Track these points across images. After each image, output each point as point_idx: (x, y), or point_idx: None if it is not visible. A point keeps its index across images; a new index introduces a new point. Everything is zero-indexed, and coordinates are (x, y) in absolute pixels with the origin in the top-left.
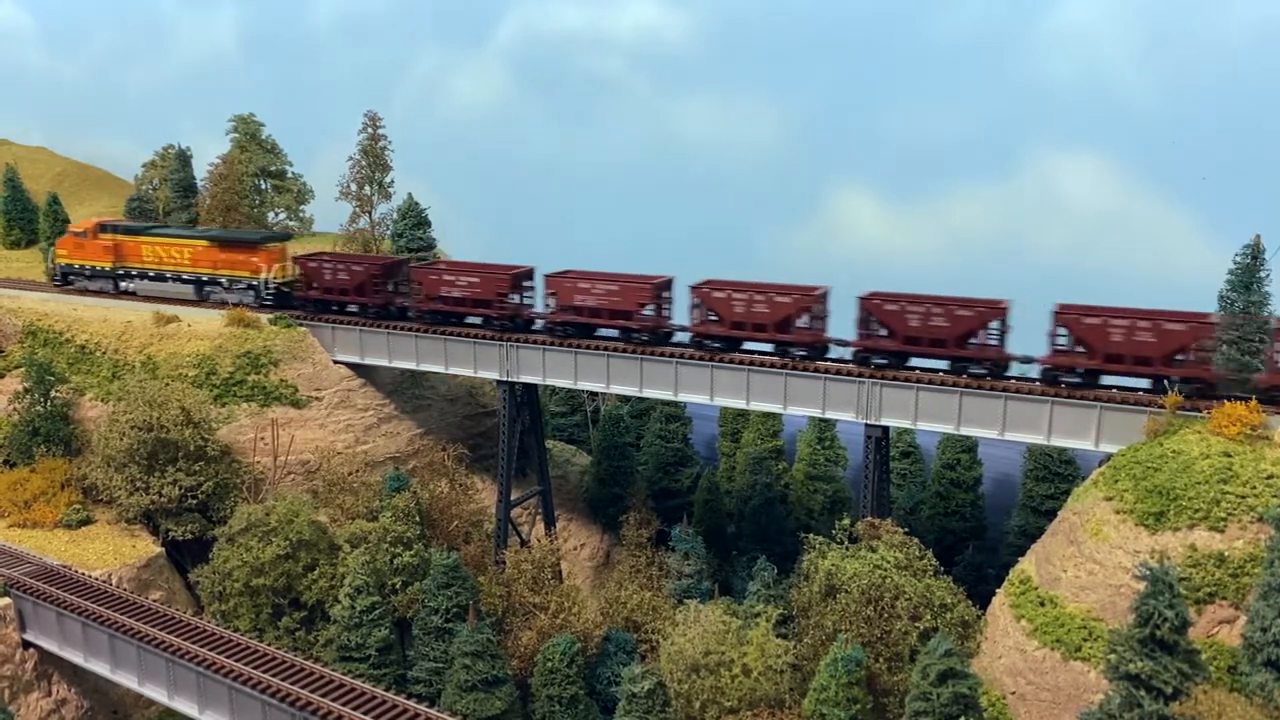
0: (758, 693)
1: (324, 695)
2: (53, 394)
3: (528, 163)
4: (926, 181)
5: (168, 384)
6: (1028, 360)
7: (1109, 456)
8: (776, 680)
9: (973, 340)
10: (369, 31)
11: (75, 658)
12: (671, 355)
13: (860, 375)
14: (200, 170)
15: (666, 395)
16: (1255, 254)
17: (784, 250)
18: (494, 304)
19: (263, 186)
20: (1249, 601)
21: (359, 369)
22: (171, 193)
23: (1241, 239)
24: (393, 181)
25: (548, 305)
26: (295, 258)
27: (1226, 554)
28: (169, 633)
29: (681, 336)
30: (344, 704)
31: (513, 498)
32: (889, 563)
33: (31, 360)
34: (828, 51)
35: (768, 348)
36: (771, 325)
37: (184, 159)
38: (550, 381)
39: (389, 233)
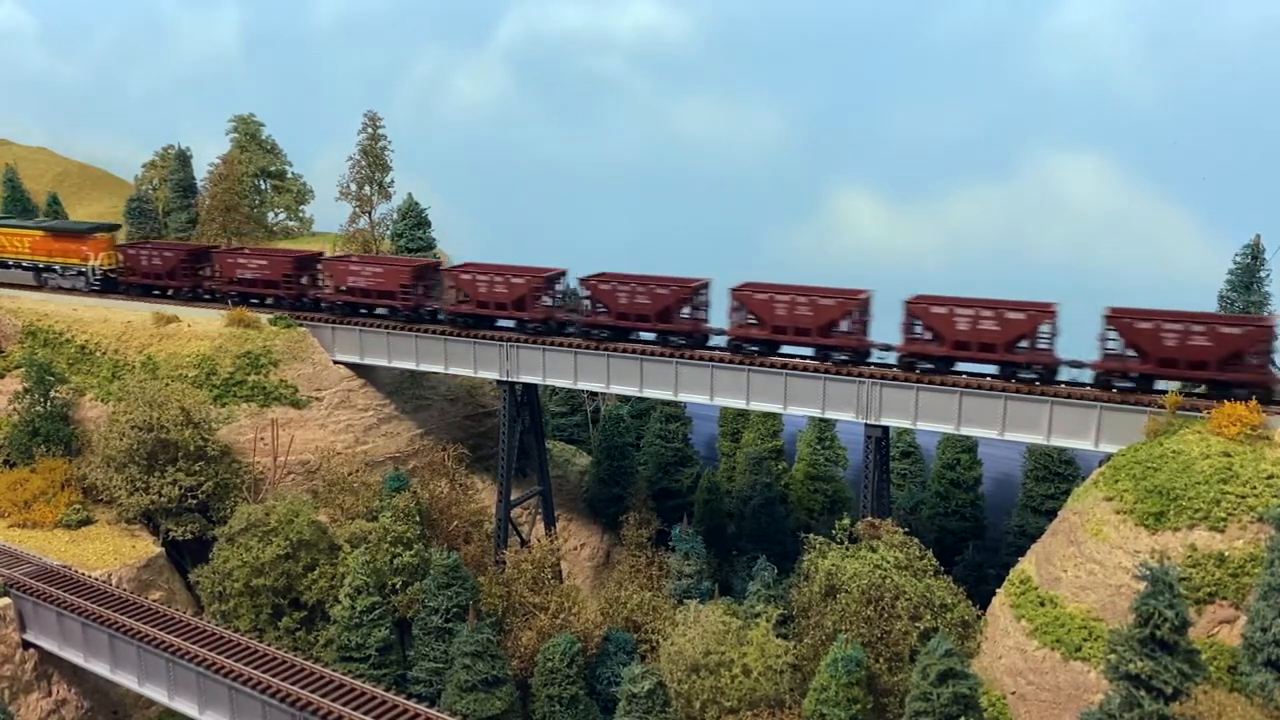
0: (758, 693)
1: (324, 695)
2: (53, 394)
3: (528, 163)
4: (927, 181)
5: (168, 384)
6: (720, 332)
7: (1109, 456)
8: (776, 680)
9: (679, 315)
10: (369, 32)
11: (75, 658)
12: (672, 356)
13: (860, 375)
14: (200, 170)
15: (666, 395)
16: (1255, 254)
17: (785, 250)
18: (281, 285)
19: (262, 187)
20: (1249, 601)
21: (359, 369)
22: (171, 193)
23: (1241, 239)
24: (392, 182)
25: (327, 286)
26: (118, 246)
27: (1227, 554)
28: (169, 633)
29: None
30: (344, 704)
31: (513, 498)
32: (889, 563)
33: (31, 360)
34: (828, 51)
35: (510, 323)
36: (510, 304)
37: (184, 159)
38: (550, 381)
39: (389, 233)
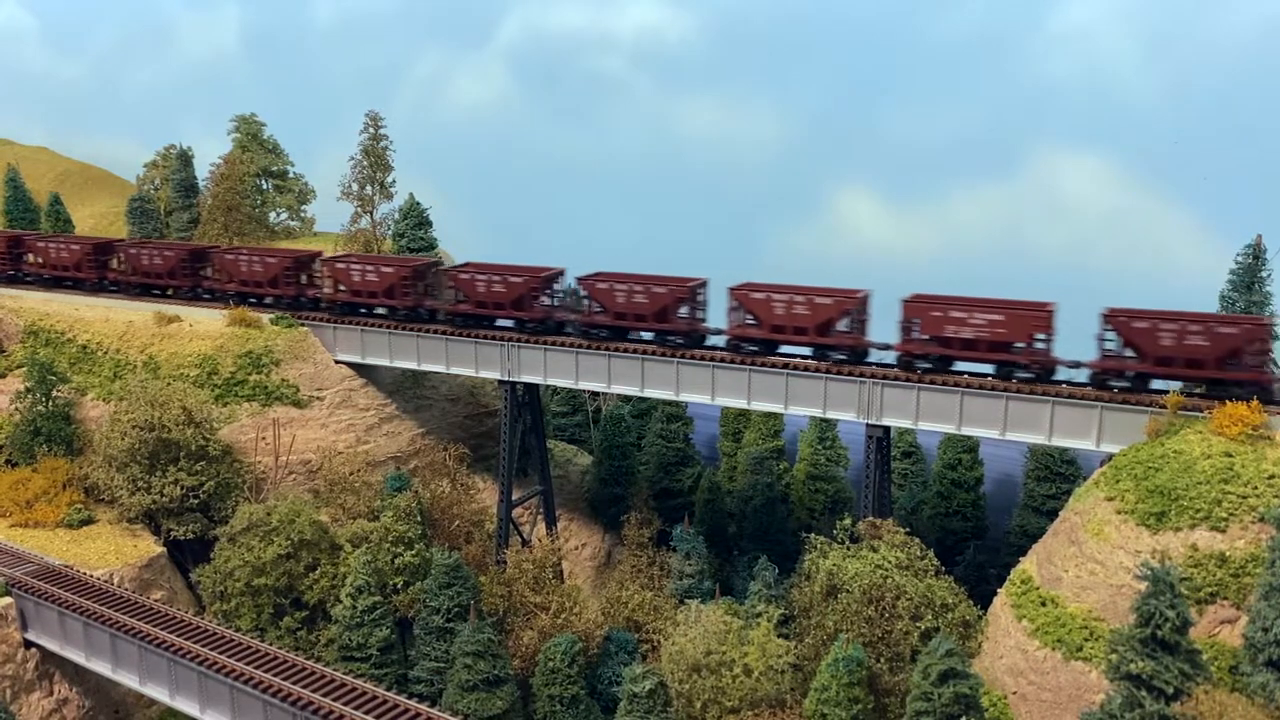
0: (759, 693)
1: (325, 695)
2: (54, 394)
3: (529, 162)
4: (928, 181)
5: (169, 384)
6: (572, 320)
7: (1110, 456)
8: (778, 680)
9: (535, 303)
10: (371, 31)
11: (77, 657)
12: (673, 356)
13: (862, 375)
14: (202, 170)
15: (667, 395)
16: (1256, 254)
17: (785, 249)
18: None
19: (264, 186)
20: (1250, 601)
21: (360, 369)
22: (173, 193)
23: (1242, 239)
24: (394, 181)
25: (218, 278)
26: None
27: (1228, 554)
28: (170, 632)
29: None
30: (345, 704)
31: (514, 497)
32: (890, 563)
33: (33, 360)
34: (829, 51)
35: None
36: (381, 292)
37: (185, 159)
38: (551, 381)
39: (390, 233)
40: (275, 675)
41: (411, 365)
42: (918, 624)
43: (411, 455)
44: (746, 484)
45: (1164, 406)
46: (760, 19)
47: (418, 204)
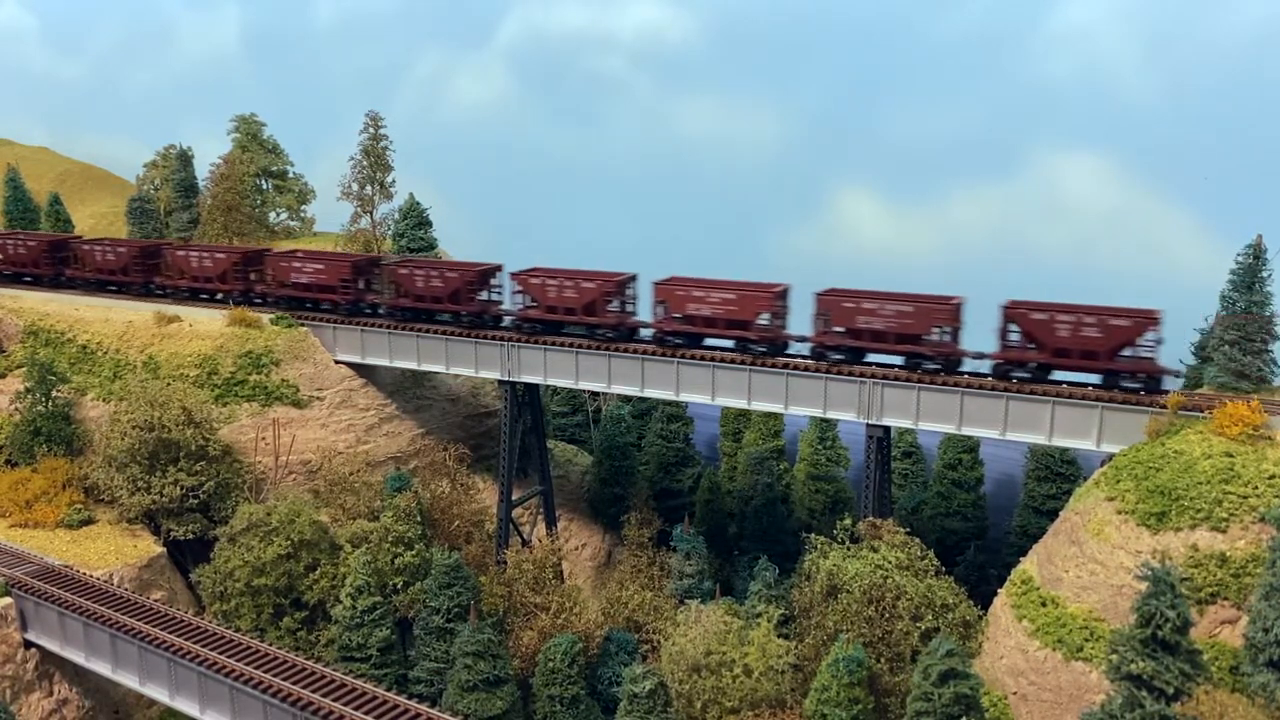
0: (759, 693)
1: (325, 695)
2: (54, 394)
3: (529, 162)
4: (928, 181)
5: (169, 384)
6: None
7: (1111, 456)
8: (778, 680)
9: (341, 288)
10: (371, 31)
11: (77, 657)
12: (674, 355)
13: (862, 375)
14: (202, 170)
15: (668, 395)
16: (1257, 254)
17: (785, 249)
18: None
19: (264, 186)
20: (1251, 602)
21: (360, 369)
22: (173, 193)
23: (1243, 239)
24: (394, 181)
25: (170, 274)
26: None
27: (1228, 554)
28: (170, 632)
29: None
30: (345, 704)
31: (514, 497)
32: (890, 563)
33: (33, 360)
34: (829, 51)
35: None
36: (217, 277)
37: (185, 159)
38: (551, 381)
39: (390, 233)
40: (275, 675)
41: (411, 365)
42: (918, 624)
43: (411, 455)
44: (746, 484)
45: (1165, 406)
46: (760, 19)
47: (418, 204)
